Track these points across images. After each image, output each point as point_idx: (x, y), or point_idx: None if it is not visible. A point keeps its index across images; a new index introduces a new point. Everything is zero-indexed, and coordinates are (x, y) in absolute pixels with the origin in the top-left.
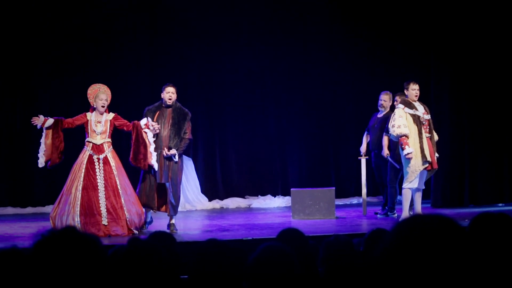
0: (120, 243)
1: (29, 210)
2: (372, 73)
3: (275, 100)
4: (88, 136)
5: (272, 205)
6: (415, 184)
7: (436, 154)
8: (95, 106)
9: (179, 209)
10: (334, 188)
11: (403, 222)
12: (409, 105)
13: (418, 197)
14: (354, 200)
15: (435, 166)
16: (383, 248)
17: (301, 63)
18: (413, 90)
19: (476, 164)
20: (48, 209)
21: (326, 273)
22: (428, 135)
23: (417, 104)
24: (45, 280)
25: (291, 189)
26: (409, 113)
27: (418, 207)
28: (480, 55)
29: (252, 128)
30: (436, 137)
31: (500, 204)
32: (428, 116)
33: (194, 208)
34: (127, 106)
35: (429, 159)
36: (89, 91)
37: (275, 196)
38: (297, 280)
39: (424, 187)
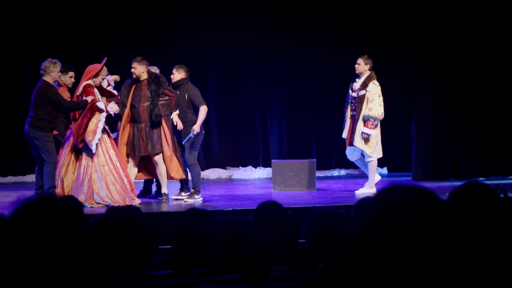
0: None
1: (10, 179)
2: (357, 52)
3: (257, 72)
4: None
5: (253, 176)
6: (347, 156)
7: (365, 130)
8: (95, 84)
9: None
10: (315, 160)
11: (380, 194)
12: (351, 82)
13: (361, 167)
14: (335, 172)
15: (347, 143)
16: (361, 221)
17: (284, 36)
18: (355, 65)
19: (458, 138)
20: (28, 178)
21: (310, 244)
22: (353, 113)
23: (356, 80)
24: (24, 248)
25: (272, 161)
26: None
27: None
28: (462, 32)
29: (234, 99)
30: (369, 113)
31: (481, 178)
32: (355, 94)
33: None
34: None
35: (343, 135)
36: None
37: (256, 167)
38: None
39: (353, 159)
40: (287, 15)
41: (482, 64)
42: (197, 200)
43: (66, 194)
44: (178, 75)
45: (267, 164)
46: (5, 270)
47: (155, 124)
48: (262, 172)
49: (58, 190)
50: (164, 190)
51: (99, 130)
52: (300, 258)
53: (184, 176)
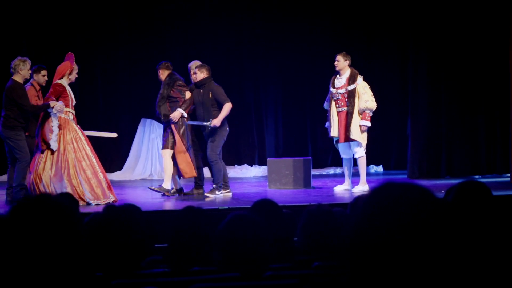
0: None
1: None
2: (352, 50)
3: (252, 70)
4: (69, 107)
5: (249, 175)
6: (341, 155)
7: (363, 122)
8: (69, 80)
9: (155, 178)
10: (310, 158)
11: (375, 191)
12: (331, 80)
13: (345, 166)
14: (331, 171)
15: (341, 140)
16: (355, 218)
17: (279, 35)
18: (335, 62)
19: (453, 136)
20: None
21: (304, 242)
22: (341, 109)
23: (338, 77)
24: (20, 246)
25: (268, 159)
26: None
27: (346, 175)
28: (458, 31)
29: (229, 97)
30: (367, 105)
31: (477, 176)
32: (342, 90)
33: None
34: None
35: (331, 134)
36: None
37: (251, 166)
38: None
39: (348, 157)
40: (282, 14)
41: (477, 62)
42: (218, 195)
43: (47, 190)
44: (200, 74)
45: (262, 163)
46: (0, 269)
47: (165, 122)
48: (257, 171)
49: (40, 188)
50: (166, 185)
51: (54, 128)
52: (296, 256)
53: (195, 174)
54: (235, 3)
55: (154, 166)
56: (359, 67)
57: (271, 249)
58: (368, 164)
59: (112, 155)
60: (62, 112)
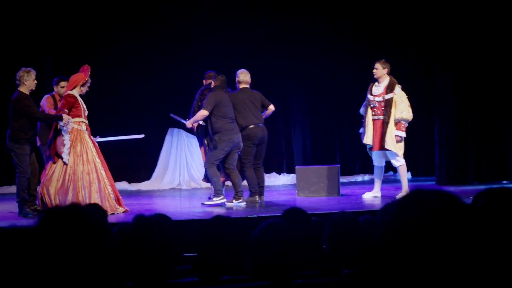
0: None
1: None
2: (378, 58)
3: (279, 79)
4: (82, 117)
5: (277, 183)
6: (374, 162)
7: (398, 133)
8: (80, 92)
9: (184, 187)
10: (339, 165)
11: (404, 198)
12: (369, 87)
13: (376, 173)
14: (359, 178)
15: (375, 148)
16: (384, 225)
17: (306, 43)
18: (373, 70)
19: (481, 142)
20: (4, 190)
21: (330, 250)
22: (378, 117)
23: (376, 85)
24: (50, 257)
25: (296, 167)
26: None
27: (376, 183)
28: (483, 39)
29: None
30: (403, 116)
31: (504, 182)
32: (379, 98)
33: (199, 186)
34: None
35: (365, 141)
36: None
37: (280, 174)
38: (298, 256)
39: (380, 165)
40: (309, 21)
41: (504, 69)
42: (215, 202)
43: (53, 202)
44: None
45: (291, 170)
46: (31, 279)
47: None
48: (286, 179)
49: (46, 199)
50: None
51: (66, 142)
52: (325, 264)
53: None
54: (264, 10)
55: (182, 175)
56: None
57: (301, 257)
58: (396, 171)
59: (140, 165)
60: (69, 125)
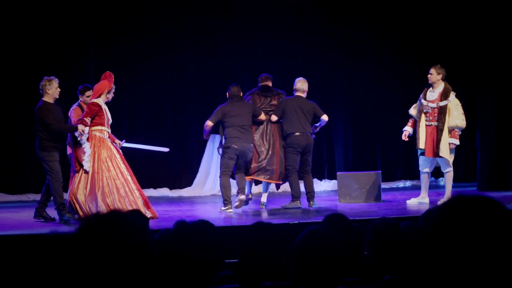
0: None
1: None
2: (418, 68)
3: (319, 85)
4: (105, 125)
5: (319, 189)
6: (421, 167)
7: (452, 140)
8: (107, 99)
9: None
10: (380, 171)
11: (446, 204)
12: (424, 91)
13: (423, 179)
14: (401, 184)
15: (428, 154)
16: (426, 231)
17: (347, 51)
18: (428, 75)
19: None
20: (27, 197)
21: (372, 256)
22: (431, 123)
23: (430, 90)
24: (91, 264)
25: (337, 173)
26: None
27: (423, 189)
28: None
29: None
30: (457, 123)
31: None
32: (433, 105)
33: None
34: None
35: (419, 146)
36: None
37: (321, 180)
38: (340, 262)
39: (428, 171)
40: (352, 29)
41: None
42: (222, 211)
43: (84, 209)
44: None
45: (332, 177)
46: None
47: None
48: (327, 185)
49: (76, 207)
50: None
51: (86, 149)
52: (367, 270)
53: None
54: (310, 19)
55: None
56: (426, 80)
57: (343, 263)
58: (438, 176)
59: (182, 172)
60: (84, 136)
